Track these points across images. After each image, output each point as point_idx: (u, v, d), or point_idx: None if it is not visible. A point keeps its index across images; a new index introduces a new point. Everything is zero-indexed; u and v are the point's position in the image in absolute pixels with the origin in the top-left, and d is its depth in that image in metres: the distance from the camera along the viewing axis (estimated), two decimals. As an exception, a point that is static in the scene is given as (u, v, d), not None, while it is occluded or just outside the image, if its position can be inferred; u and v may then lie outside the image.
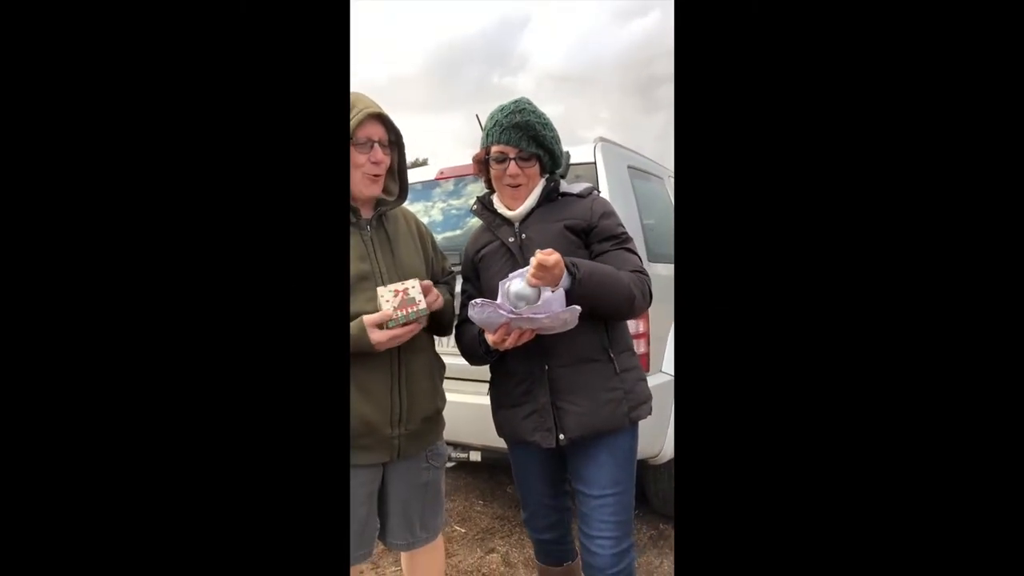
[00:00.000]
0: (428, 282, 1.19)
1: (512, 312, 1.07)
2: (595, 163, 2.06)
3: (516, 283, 1.07)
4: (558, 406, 1.19)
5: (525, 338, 1.14)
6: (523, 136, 1.21)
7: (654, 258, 2.15)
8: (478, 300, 1.09)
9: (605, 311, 1.16)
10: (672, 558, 2.10)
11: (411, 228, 1.33)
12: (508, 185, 1.24)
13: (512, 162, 1.22)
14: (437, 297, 1.19)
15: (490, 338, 1.15)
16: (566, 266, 1.07)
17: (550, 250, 1.03)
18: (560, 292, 1.07)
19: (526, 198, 1.26)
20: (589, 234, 1.23)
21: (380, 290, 1.12)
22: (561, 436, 1.19)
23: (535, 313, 1.06)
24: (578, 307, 1.07)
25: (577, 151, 2.06)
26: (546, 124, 1.24)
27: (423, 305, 1.11)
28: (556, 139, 1.27)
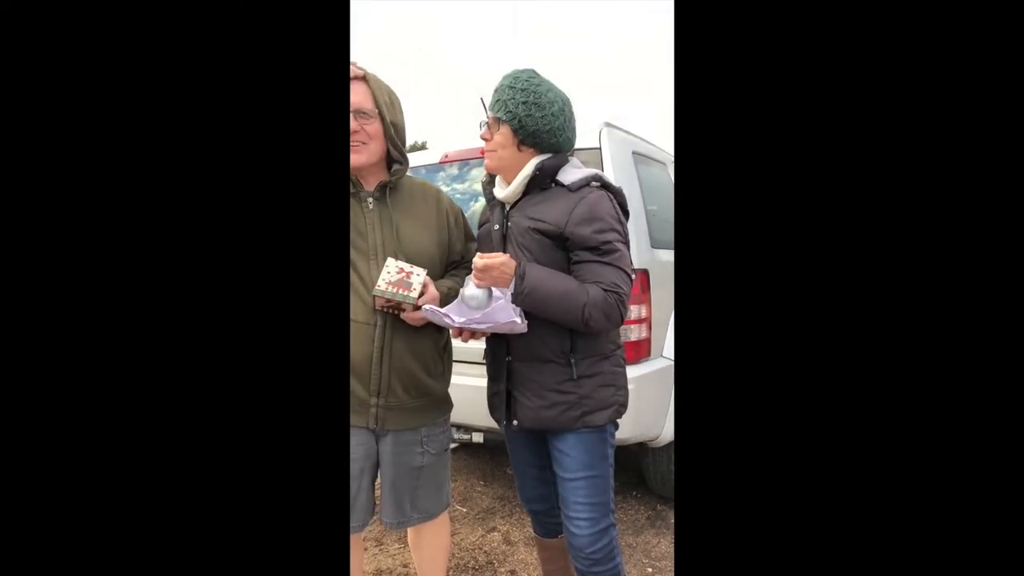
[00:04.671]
0: (428, 281, 1.19)
1: (454, 320, 1.15)
2: (600, 149, 2.06)
3: (469, 286, 1.16)
4: (513, 395, 1.25)
5: (479, 335, 1.22)
6: (496, 101, 1.21)
7: (657, 244, 2.16)
8: (428, 307, 1.15)
9: (559, 323, 1.17)
10: (669, 537, 2.15)
11: (428, 203, 1.31)
12: (484, 153, 1.25)
13: (485, 126, 1.23)
14: (431, 298, 1.18)
15: (450, 333, 1.26)
16: (516, 275, 1.13)
17: (494, 254, 1.13)
18: (505, 302, 1.12)
19: (512, 177, 1.23)
20: (565, 241, 1.17)
21: (389, 260, 1.16)
22: (515, 422, 1.25)
23: (478, 323, 1.14)
24: (521, 322, 1.13)
25: (582, 137, 2.05)
26: (521, 89, 1.18)
27: (414, 294, 1.14)
28: (531, 105, 1.18)
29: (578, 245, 1.16)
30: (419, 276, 1.15)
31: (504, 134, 1.20)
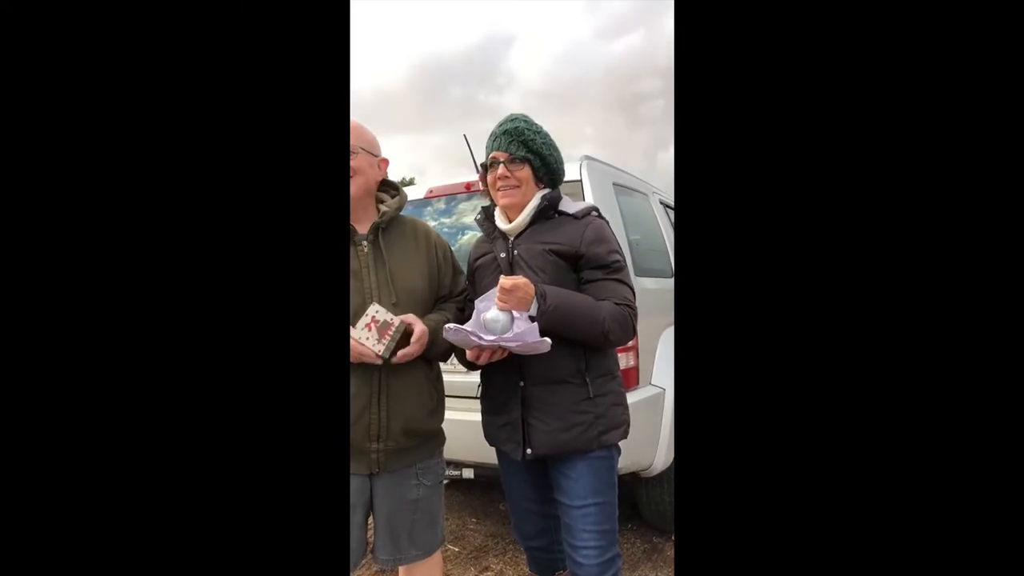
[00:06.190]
0: (411, 317, 1.19)
1: (483, 338, 1.13)
2: (581, 181, 2.11)
3: (490, 310, 1.15)
4: (528, 422, 1.24)
5: (499, 355, 1.20)
6: (512, 140, 1.28)
7: (640, 272, 2.19)
8: (451, 325, 1.14)
9: (577, 340, 1.21)
10: (666, 571, 2.10)
11: (418, 241, 1.33)
12: (500, 189, 1.29)
13: (502, 165, 1.27)
14: (421, 335, 1.18)
15: (468, 354, 1.23)
16: (537, 294, 1.14)
17: (516, 276, 1.14)
18: (529, 322, 1.12)
19: (522, 208, 1.29)
20: (579, 260, 1.25)
21: (353, 332, 1.13)
22: (528, 451, 1.23)
23: (507, 341, 1.12)
24: (548, 340, 1.12)
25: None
26: (538, 132, 1.30)
27: (398, 321, 1.14)
28: (550, 146, 1.31)
29: (591, 263, 1.24)
30: (377, 309, 1.14)
31: (527, 172, 1.28)
